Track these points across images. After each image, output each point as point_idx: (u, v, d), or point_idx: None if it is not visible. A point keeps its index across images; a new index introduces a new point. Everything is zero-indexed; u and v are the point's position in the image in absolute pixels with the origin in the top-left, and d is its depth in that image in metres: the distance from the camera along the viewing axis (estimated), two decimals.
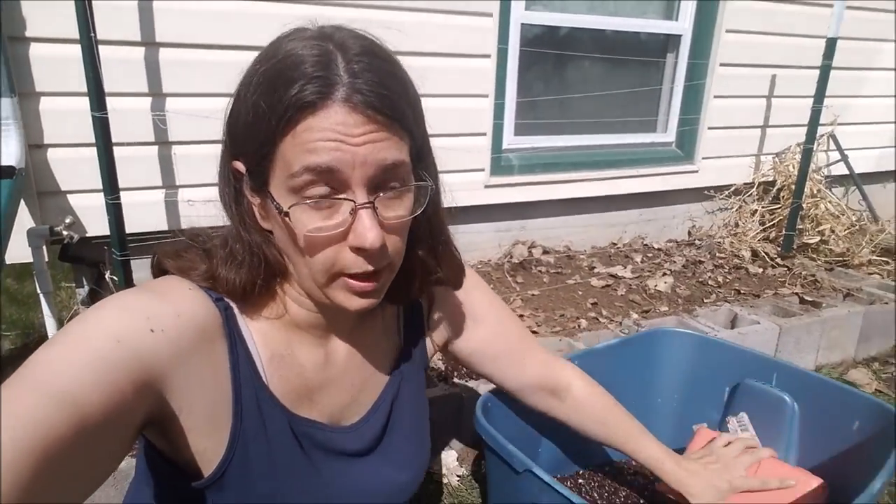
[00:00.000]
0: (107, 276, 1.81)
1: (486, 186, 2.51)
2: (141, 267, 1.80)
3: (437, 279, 0.71)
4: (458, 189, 2.38)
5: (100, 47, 1.58)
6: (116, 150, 1.67)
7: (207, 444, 0.57)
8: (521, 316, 2.12)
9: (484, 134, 2.46)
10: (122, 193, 1.69)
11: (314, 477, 0.66)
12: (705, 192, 3.01)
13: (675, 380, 1.41)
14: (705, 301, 2.20)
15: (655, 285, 2.29)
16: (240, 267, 0.59)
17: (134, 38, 1.79)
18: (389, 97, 0.52)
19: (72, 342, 0.47)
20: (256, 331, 0.62)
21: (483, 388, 1.56)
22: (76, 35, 1.56)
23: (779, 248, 2.75)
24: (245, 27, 1.89)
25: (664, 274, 2.42)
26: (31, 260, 1.76)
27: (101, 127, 1.62)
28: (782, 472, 1.01)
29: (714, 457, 1.03)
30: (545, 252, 2.70)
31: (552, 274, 2.50)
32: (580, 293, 2.29)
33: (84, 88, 1.61)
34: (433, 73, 2.27)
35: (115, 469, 0.48)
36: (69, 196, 1.85)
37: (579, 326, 1.96)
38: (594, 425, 0.99)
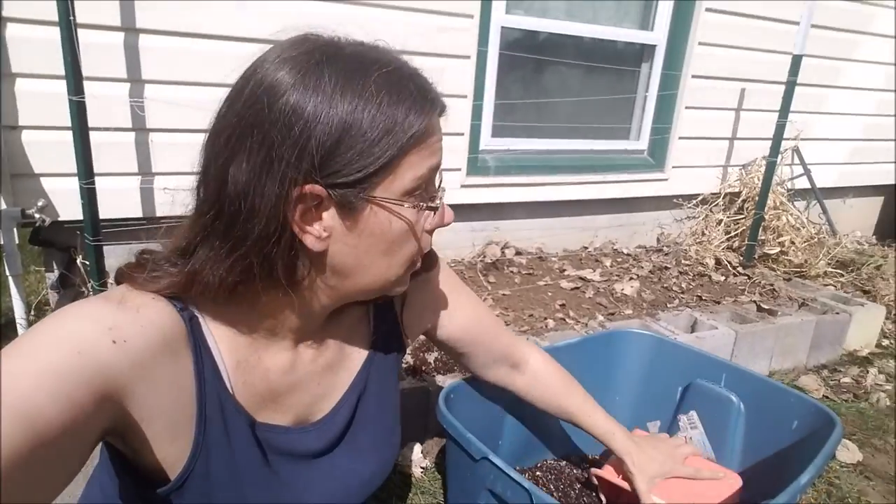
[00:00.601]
0: (78, 261, 1.81)
1: (463, 186, 2.55)
2: (113, 253, 1.80)
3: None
4: None
5: (79, 31, 1.58)
6: (93, 135, 1.67)
7: (170, 450, 0.57)
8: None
9: (462, 134, 2.50)
10: (97, 178, 1.69)
11: (275, 483, 0.66)
12: (674, 200, 3.10)
13: (632, 379, 1.48)
14: (668, 306, 2.29)
15: (622, 289, 2.37)
16: (223, 267, 0.55)
17: (114, 22, 1.79)
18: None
19: (31, 353, 0.46)
20: (221, 338, 0.61)
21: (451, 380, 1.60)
22: (55, 17, 1.56)
23: (741, 258, 2.86)
24: (226, 17, 1.90)
25: (631, 278, 2.50)
26: (1, 242, 1.74)
27: (78, 111, 1.62)
28: (710, 468, 1.12)
29: (659, 441, 1.16)
30: (518, 253, 2.76)
31: (524, 275, 2.56)
32: (550, 294, 2.35)
33: (62, 71, 1.61)
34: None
35: (71, 480, 0.47)
36: (42, 179, 1.84)
37: (546, 326, 2.02)
38: (550, 397, 1.06)
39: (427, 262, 0.71)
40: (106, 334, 0.49)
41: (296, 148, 0.52)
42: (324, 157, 0.53)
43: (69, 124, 1.65)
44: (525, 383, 1.05)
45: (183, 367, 0.57)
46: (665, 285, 2.51)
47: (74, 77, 1.61)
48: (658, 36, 2.91)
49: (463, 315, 0.91)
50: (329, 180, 0.54)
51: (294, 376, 0.67)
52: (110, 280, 1.81)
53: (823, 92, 3.36)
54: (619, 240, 3.07)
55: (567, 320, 2.10)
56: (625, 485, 1.06)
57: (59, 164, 1.80)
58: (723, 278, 2.66)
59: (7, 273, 1.73)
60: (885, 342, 2.46)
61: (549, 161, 2.80)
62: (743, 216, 3.03)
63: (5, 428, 0.39)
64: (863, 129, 3.62)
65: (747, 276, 2.70)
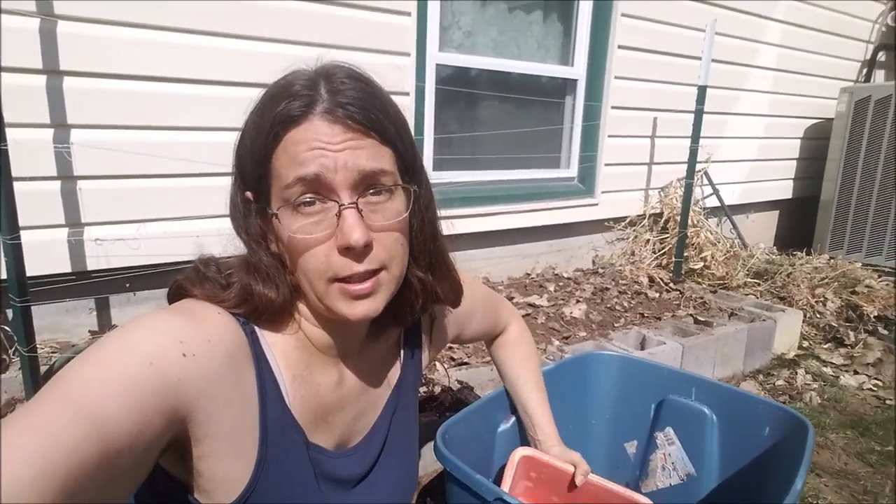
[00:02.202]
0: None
1: None
2: (44, 313, 1.62)
3: (438, 299, 0.73)
4: None
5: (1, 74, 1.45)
6: (16, 185, 1.51)
7: (231, 468, 0.56)
8: (449, 348, 2.16)
9: None
10: (21, 232, 1.53)
11: None
12: (605, 223, 3.27)
13: (605, 401, 1.52)
14: (616, 325, 2.38)
15: (571, 312, 2.44)
16: (271, 282, 0.60)
17: (35, 65, 1.65)
18: (367, 109, 0.58)
19: (105, 361, 0.47)
20: (278, 353, 0.63)
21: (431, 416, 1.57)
22: None
23: (671, 274, 3.05)
24: (153, 57, 1.80)
25: (577, 301, 2.59)
26: None
27: (1, 160, 1.47)
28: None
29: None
30: None
31: None
32: None
33: None
34: None
35: (133, 491, 0.48)
36: None
37: None
38: (508, 368, 1.12)
39: (453, 297, 0.75)
40: (177, 347, 0.51)
41: (234, 161, 0.63)
42: (237, 164, 0.62)
43: None
44: (496, 350, 1.12)
45: (247, 381, 0.58)
46: (608, 305, 2.62)
47: None
48: (578, 71, 3.10)
49: (478, 319, 0.98)
50: (249, 187, 0.61)
51: (341, 394, 0.69)
52: (40, 344, 1.63)
53: (724, 118, 3.70)
54: (558, 265, 3.18)
55: None
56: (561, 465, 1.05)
57: None
58: (657, 295, 2.82)
59: None
60: (805, 343, 2.69)
61: (489, 192, 2.86)
62: (667, 235, 3.24)
63: (79, 432, 0.40)
64: (757, 150, 4.02)
65: (679, 291, 2.87)
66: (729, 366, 2.37)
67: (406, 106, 2.45)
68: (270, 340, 0.63)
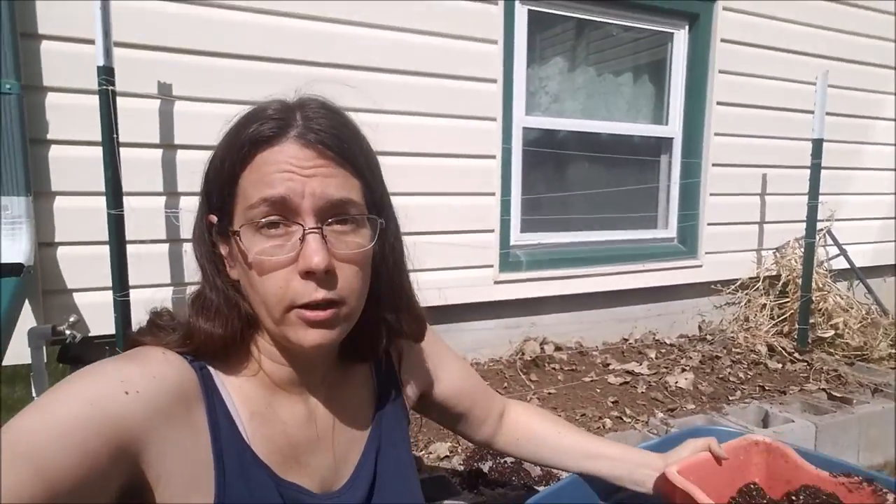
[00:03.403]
0: None
1: (496, 282, 2.49)
2: None
3: (401, 333, 0.72)
4: (468, 285, 2.37)
5: (121, 149, 1.62)
6: (128, 248, 1.65)
7: None
8: None
9: (492, 230, 2.48)
10: (131, 291, 1.65)
11: None
12: (711, 286, 3.00)
13: None
14: (730, 398, 2.11)
15: (676, 382, 2.20)
16: (216, 316, 0.59)
17: (153, 140, 1.83)
18: (340, 138, 0.58)
19: (45, 407, 0.47)
20: (234, 390, 0.61)
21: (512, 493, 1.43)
22: (96, 137, 1.60)
23: (794, 343, 2.70)
24: None
25: (683, 370, 2.35)
26: (28, 361, 1.67)
27: (116, 224, 1.62)
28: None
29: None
30: (557, 349, 2.63)
31: (566, 371, 2.41)
32: (598, 391, 2.20)
33: (98, 187, 1.62)
34: (444, 172, 2.33)
35: None
36: (75, 294, 1.80)
37: (604, 426, 1.85)
38: (544, 430, 0.93)
39: (417, 332, 0.74)
40: (118, 386, 0.50)
41: (201, 186, 0.63)
42: (205, 186, 0.62)
43: (105, 238, 1.64)
44: (513, 423, 0.95)
45: (197, 418, 0.56)
46: (720, 376, 2.34)
47: (114, 192, 1.62)
48: (673, 129, 2.98)
49: (454, 372, 0.89)
50: (212, 209, 0.61)
51: (311, 432, 0.66)
52: None
53: (847, 174, 3.36)
54: (659, 329, 2.94)
55: (624, 419, 1.93)
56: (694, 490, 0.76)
57: (93, 278, 1.77)
58: (780, 366, 2.49)
59: (34, 394, 1.64)
60: None
61: (580, 253, 2.75)
62: (787, 299, 2.90)
63: (21, 477, 0.40)
64: (889, 207, 3.59)
65: (806, 362, 2.52)
66: (878, 452, 1.99)
67: (493, 168, 2.46)
68: (225, 378, 0.61)
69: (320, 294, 0.56)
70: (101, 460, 0.45)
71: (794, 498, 0.77)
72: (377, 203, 0.63)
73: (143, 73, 1.78)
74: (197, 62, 1.86)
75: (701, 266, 2.97)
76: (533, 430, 0.94)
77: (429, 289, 2.31)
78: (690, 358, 2.52)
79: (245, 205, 0.56)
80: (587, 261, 2.72)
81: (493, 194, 2.47)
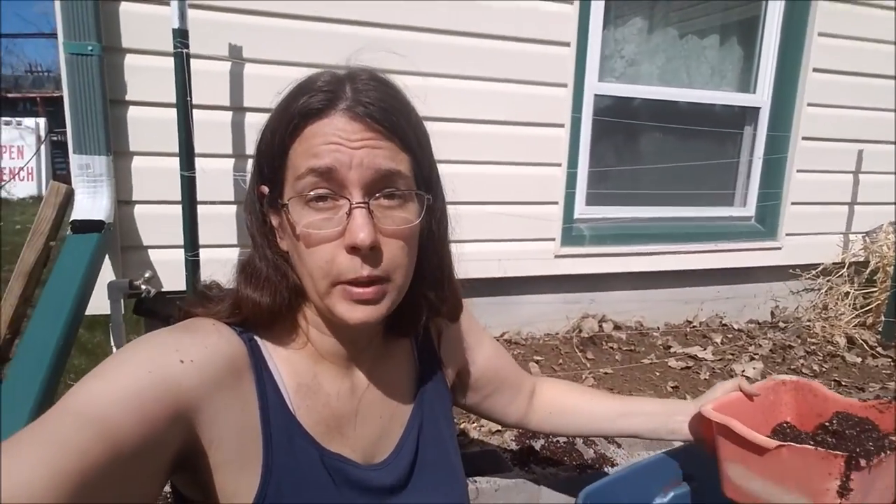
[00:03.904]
0: None
1: (557, 256, 2.43)
2: None
3: (439, 312, 0.72)
4: (528, 258, 2.32)
5: (193, 111, 1.65)
6: (199, 209, 1.70)
7: (240, 480, 0.56)
8: None
9: (556, 203, 2.41)
10: (200, 250, 1.71)
11: None
12: (790, 270, 2.82)
13: None
14: None
15: (742, 370, 2.10)
16: (264, 286, 0.60)
17: (223, 102, 1.86)
18: (389, 112, 0.57)
19: (106, 374, 0.49)
20: (281, 361, 0.63)
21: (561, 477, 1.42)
22: (171, 99, 1.64)
23: (878, 336, 2.50)
24: None
25: (751, 358, 2.23)
26: (107, 312, 1.78)
27: (189, 186, 1.67)
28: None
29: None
30: (616, 327, 2.56)
31: (625, 351, 2.35)
32: (658, 374, 2.13)
33: (172, 148, 1.67)
34: (507, 141, 2.26)
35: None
36: (150, 251, 1.90)
37: None
38: (576, 408, 0.94)
39: (454, 311, 0.75)
40: (173, 355, 0.52)
41: (254, 155, 0.64)
42: (257, 158, 0.62)
43: (178, 198, 1.70)
44: (544, 399, 0.96)
45: (247, 388, 0.58)
46: (792, 367, 2.21)
47: (187, 154, 1.66)
48: (761, 98, 2.75)
49: (489, 350, 0.90)
50: (264, 180, 0.61)
51: (354, 404, 0.67)
52: None
53: None
54: (727, 313, 2.80)
55: None
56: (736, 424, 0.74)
57: (167, 236, 1.85)
58: (859, 360, 2.32)
59: (112, 343, 1.75)
60: None
61: (648, 229, 2.63)
62: (874, 289, 2.68)
63: (86, 437, 0.42)
64: None
65: (890, 358, 2.34)
66: None
67: (560, 137, 2.36)
68: (273, 349, 0.63)
69: (365, 271, 0.57)
70: (159, 424, 0.48)
71: (827, 425, 0.78)
72: (425, 178, 0.63)
73: (215, 35, 1.80)
74: (267, 24, 1.86)
75: (780, 248, 2.78)
76: (564, 403, 0.95)
77: (488, 260, 2.31)
78: (760, 346, 2.40)
79: (294, 176, 0.57)
80: (655, 238, 2.61)
81: (558, 165, 2.38)
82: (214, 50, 1.80)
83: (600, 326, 2.53)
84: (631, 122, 2.64)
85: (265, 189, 0.61)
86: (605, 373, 2.15)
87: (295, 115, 0.56)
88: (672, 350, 2.37)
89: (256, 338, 0.62)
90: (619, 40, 2.60)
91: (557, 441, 1.61)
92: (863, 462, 0.63)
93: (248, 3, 1.82)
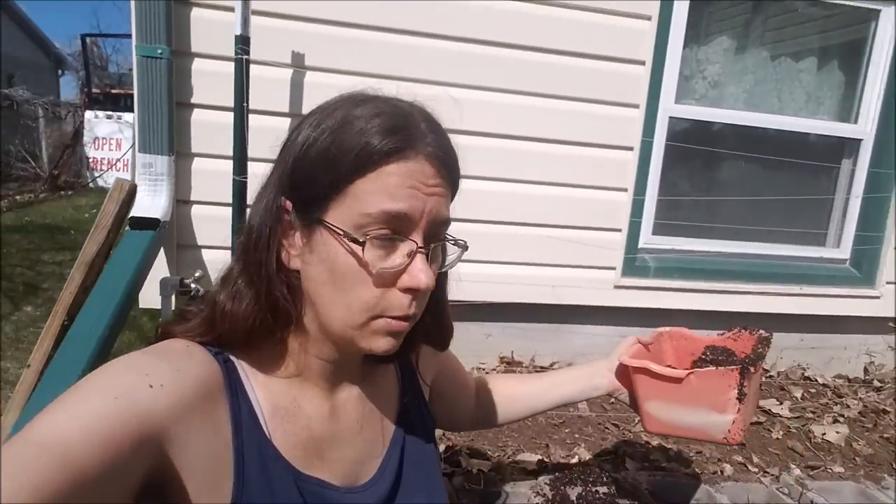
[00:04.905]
0: None
1: (616, 287, 2.27)
2: None
3: (433, 338, 0.73)
4: (584, 286, 2.17)
5: (250, 116, 1.67)
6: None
7: None
8: (646, 444, 1.80)
9: (619, 230, 2.26)
10: None
11: None
12: (889, 323, 2.49)
13: None
14: None
15: (824, 433, 1.85)
16: (242, 299, 0.58)
17: (282, 108, 1.88)
18: (455, 161, 0.60)
19: (72, 401, 0.48)
20: (259, 384, 0.61)
21: None
22: (231, 104, 1.66)
23: None
24: None
25: (835, 420, 1.97)
26: (157, 306, 1.82)
27: (239, 190, 1.68)
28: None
29: None
30: None
31: None
32: None
33: (231, 152, 1.69)
34: (570, 161, 2.16)
35: None
36: (203, 251, 1.94)
37: (722, 472, 1.60)
38: (516, 387, 1.01)
39: (441, 341, 0.74)
40: (143, 380, 0.51)
41: (282, 168, 0.59)
42: (293, 172, 0.57)
43: (231, 201, 1.72)
44: (485, 397, 0.99)
45: (220, 411, 0.57)
46: (886, 435, 1.92)
47: (241, 159, 1.68)
48: (864, 129, 2.48)
49: (453, 362, 0.92)
50: (294, 195, 0.58)
51: (335, 427, 0.67)
52: None
53: None
54: (811, 365, 2.51)
55: (749, 467, 1.65)
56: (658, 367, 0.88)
57: (219, 237, 1.87)
58: None
59: None
60: None
61: (723, 265, 2.41)
62: None
63: (43, 465, 0.41)
64: None
65: None
66: None
67: (628, 161, 2.22)
68: (250, 371, 0.61)
69: (412, 309, 0.59)
70: (125, 451, 0.47)
71: (703, 357, 0.95)
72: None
73: (278, 42, 1.83)
74: (331, 32, 1.87)
75: (878, 297, 2.47)
76: (505, 392, 1.00)
77: (542, 285, 2.19)
78: (848, 406, 2.11)
79: (358, 210, 0.55)
80: (730, 275, 2.39)
81: (624, 190, 2.24)
82: (278, 57, 1.83)
83: None
84: (710, 148, 2.45)
85: (289, 205, 0.58)
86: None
87: (373, 148, 0.54)
88: None
89: (233, 358, 0.60)
90: (702, 60, 2.43)
91: (597, 491, 1.46)
92: (752, 369, 0.80)
93: (314, 10, 1.84)
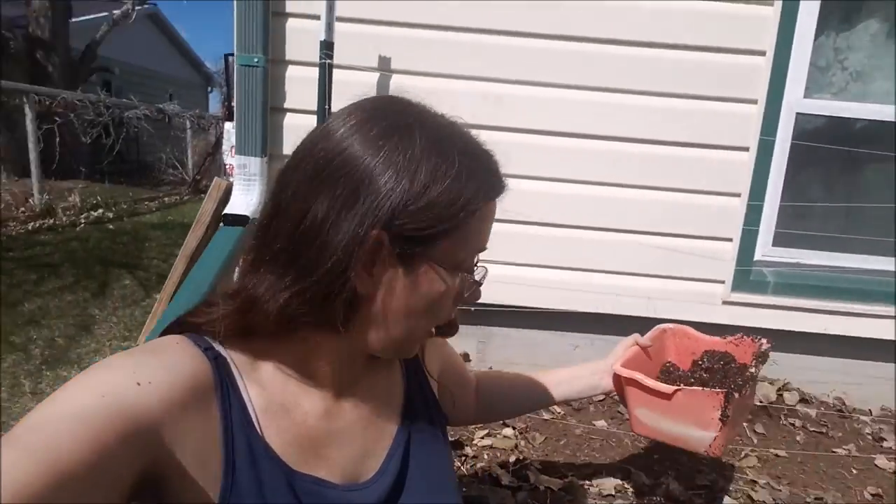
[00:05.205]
0: None
1: (725, 303, 2.03)
2: None
3: (440, 329, 0.73)
4: (685, 300, 1.98)
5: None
6: None
7: (204, 502, 0.55)
8: (752, 482, 1.58)
9: (730, 240, 2.02)
10: None
11: None
12: None
13: None
14: None
15: None
16: (291, 299, 0.56)
17: None
18: None
19: (56, 402, 0.48)
20: (252, 380, 0.60)
21: None
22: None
23: None
24: (466, 106, 1.88)
25: None
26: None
27: None
28: None
29: None
30: (803, 400, 2.05)
31: (811, 433, 1.86)
32: (854, 472, 1.63)
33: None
34: (670, 163, 1.97)
35: None
36: None
37: None
38: (510, 389, 1.02)
39: (451, 329, 0.73)
40: (130, 377, 0.51)
41: (379, 195, 0.54)
42: (401, 208, 0.55)
43: None
44: (486, 391, 1.00)
45: (210, 407, 0.57)
46: None
47: None
48: None
49: (454, 356, 0.93)
50: (397, 231, 0.56)
51: (335, 425, 0.66)
52: None
53: None
54: None
55: None
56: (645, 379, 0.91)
57: None
58: None
59: None
60: None
61: (858, 284, 2.07)
62: None
63: (26, 467, 0.41)
64: None
65: None
66: None
67: (742, 163, 1.98)
68: (244, 367, 0.60)
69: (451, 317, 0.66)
70: (114, 450, 0.46)
71: (699, 363, 0.98)
72: None
73: (365, 47, 1.85)
74: (416, 35, 1.86)
75: None
76: (509, 386, 1.02)
77: (635, 297, 2.01)
78: None
79: (462, 247, 0.60)
80: (869, 295, 2.05)
81: (737, 196, 2.00)
82: (364, 61, 1.85)
83: (779, 395, 2.05)
84: (850, 148, 2.12)
85: (385, 238, 0.55)
86: (777, 455, 1.72)
87: (488, 191, 0.59)
88: (885, 444, 1.82)
89: (225, 354, 0.60)
90: (840, 49, 2.11)
91: None
92: (736, 395, 0.83)
93: (399, 14, 1.84)
